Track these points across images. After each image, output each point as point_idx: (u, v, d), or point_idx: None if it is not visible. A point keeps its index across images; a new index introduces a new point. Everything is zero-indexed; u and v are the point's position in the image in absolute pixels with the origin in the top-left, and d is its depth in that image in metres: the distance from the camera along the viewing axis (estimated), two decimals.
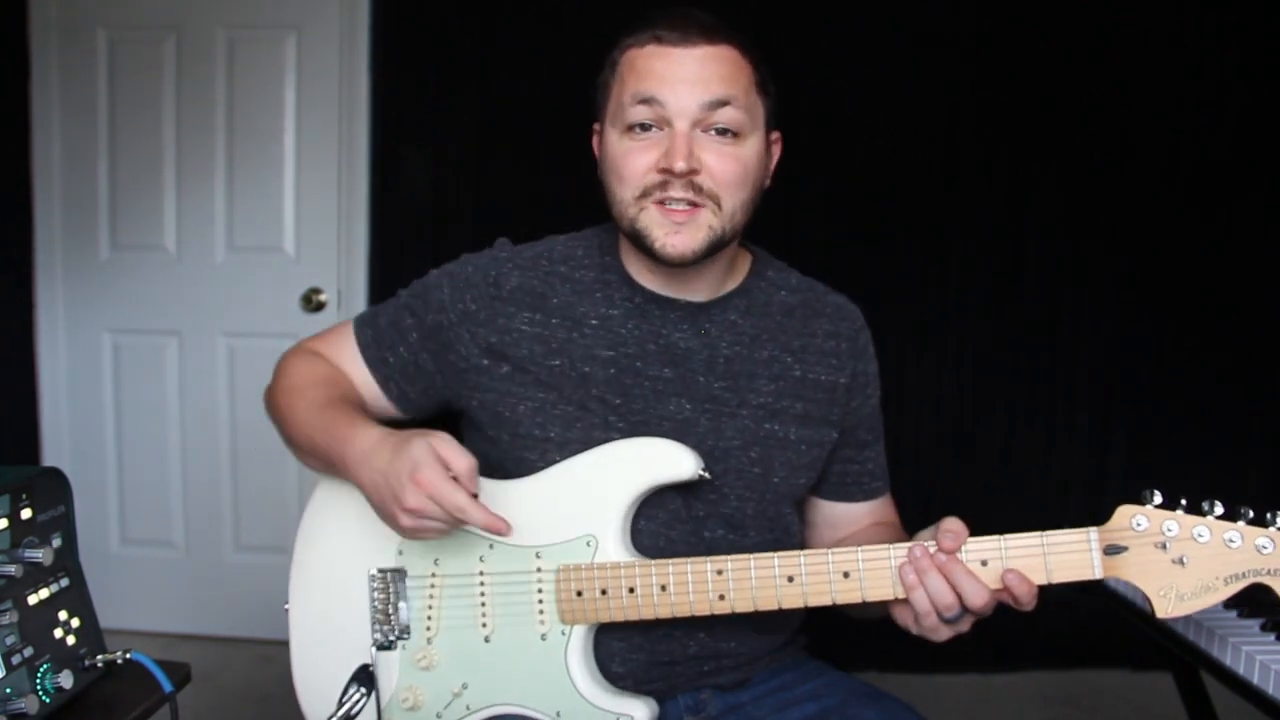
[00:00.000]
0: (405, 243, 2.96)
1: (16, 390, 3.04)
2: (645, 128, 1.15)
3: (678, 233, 1.14)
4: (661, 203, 1.14)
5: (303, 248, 3.00)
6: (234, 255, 3.02)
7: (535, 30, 2.88)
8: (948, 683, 2.82)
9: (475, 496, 1.06)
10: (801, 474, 1.26)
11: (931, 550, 1.04)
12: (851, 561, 1.07)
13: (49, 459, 3.05)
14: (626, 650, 1.19)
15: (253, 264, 3.01)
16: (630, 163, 1.15)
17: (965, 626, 1.06)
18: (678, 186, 1.13)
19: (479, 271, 1.26)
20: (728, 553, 1.21)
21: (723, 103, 1.13)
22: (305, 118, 2.96)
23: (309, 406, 1.23)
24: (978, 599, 1.02)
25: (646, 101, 1.14)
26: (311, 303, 2.98)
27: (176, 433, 3.07)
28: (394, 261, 2.96)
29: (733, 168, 1.15)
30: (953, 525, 1.05)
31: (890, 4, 2.86)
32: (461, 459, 1.05)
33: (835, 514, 1.35)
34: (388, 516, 1.10)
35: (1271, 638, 1.23)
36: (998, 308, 2.93)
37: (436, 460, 1.04)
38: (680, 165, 1.11)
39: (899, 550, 1.06)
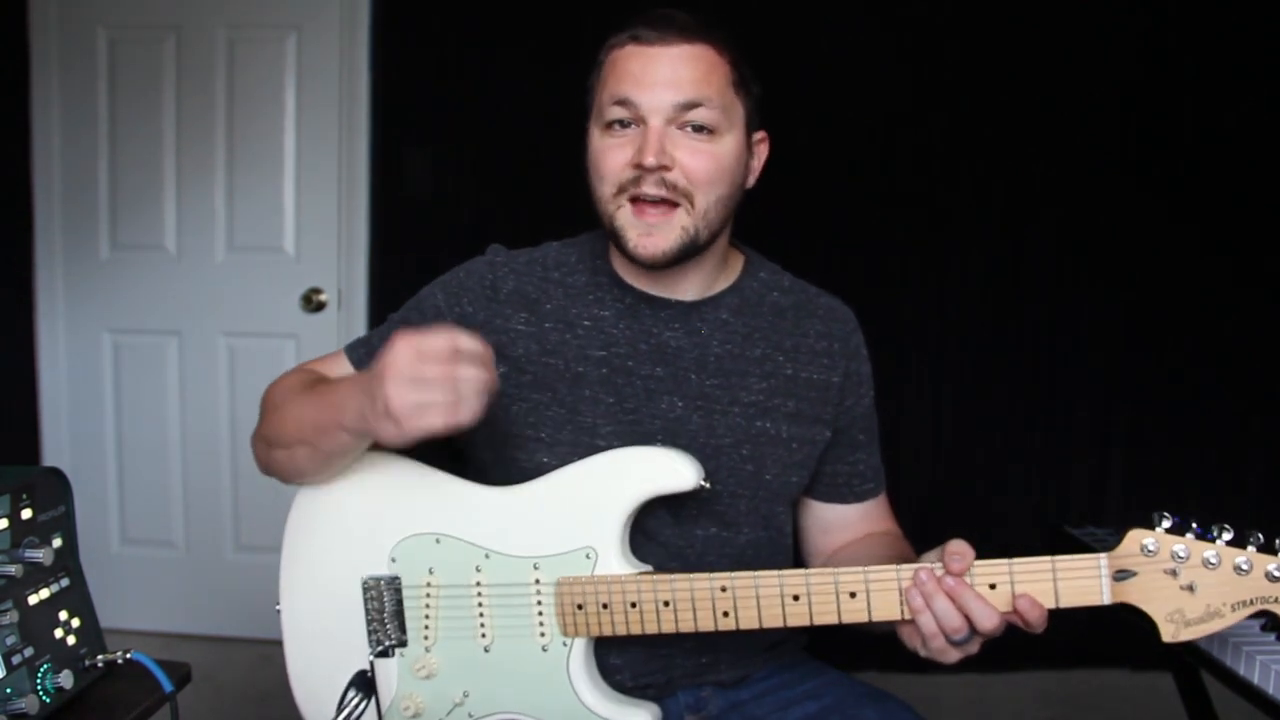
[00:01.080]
0: (405, 243, 2.96)
1: (16, 390, 3.04)
2: (623, 125, 1.16)
3: (650, 234, 1.15)
4: (635, 200, 1.15)
5: (303, 248, 3.00)
6: (234, 255, 3.01)
7: (535, 30, 2.88)
8: (948, 683, 2.82)
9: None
10: (794, 472, 1.26)
11: (938, 573, 1.03)
12: (858, 582, 1.05)
13: (49, 459, 3.05)
14: (624, 644, 1.19)
15: (253, 264, 3.01)
16: (607, 159, 1.17)
17: (975, 648, 1.04)
18: (650, 182, 1.14)
19: (473, 276, 1.27)
20: (719, 550, 1.21)
21: (695, 104, 1.14)
22: (305, 118, 2.96)
23: (294, 398, 1.20)
24: (988, 622, 1.01)
25: (622, 102, 1.15)
26: (311, 303, 2.98)
27: (176, 433, 3.07)
28: (394, 261, 2.96)
29: (706, 164, 1.15)
30: (958, 548, 1.03)
31: (890, 4, 2.86)
32: (434, 333, 0.98)
33: (828, 517, 1.34)
34: (379, 415, 0.99)
35: (1271, 638, 1.23)
36: (997, 312, 2.93)
37: (404, 342, 0.98)
38: (650, 160, 1.12)
39: (905, 571, 1.04)
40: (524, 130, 2.87)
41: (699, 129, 1.15)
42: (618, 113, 1.16)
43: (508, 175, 2.91)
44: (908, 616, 1.04)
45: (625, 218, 1.16)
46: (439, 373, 0.97)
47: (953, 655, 1.04)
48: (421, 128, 2.95)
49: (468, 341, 0.99)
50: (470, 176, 2.94)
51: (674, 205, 1.15)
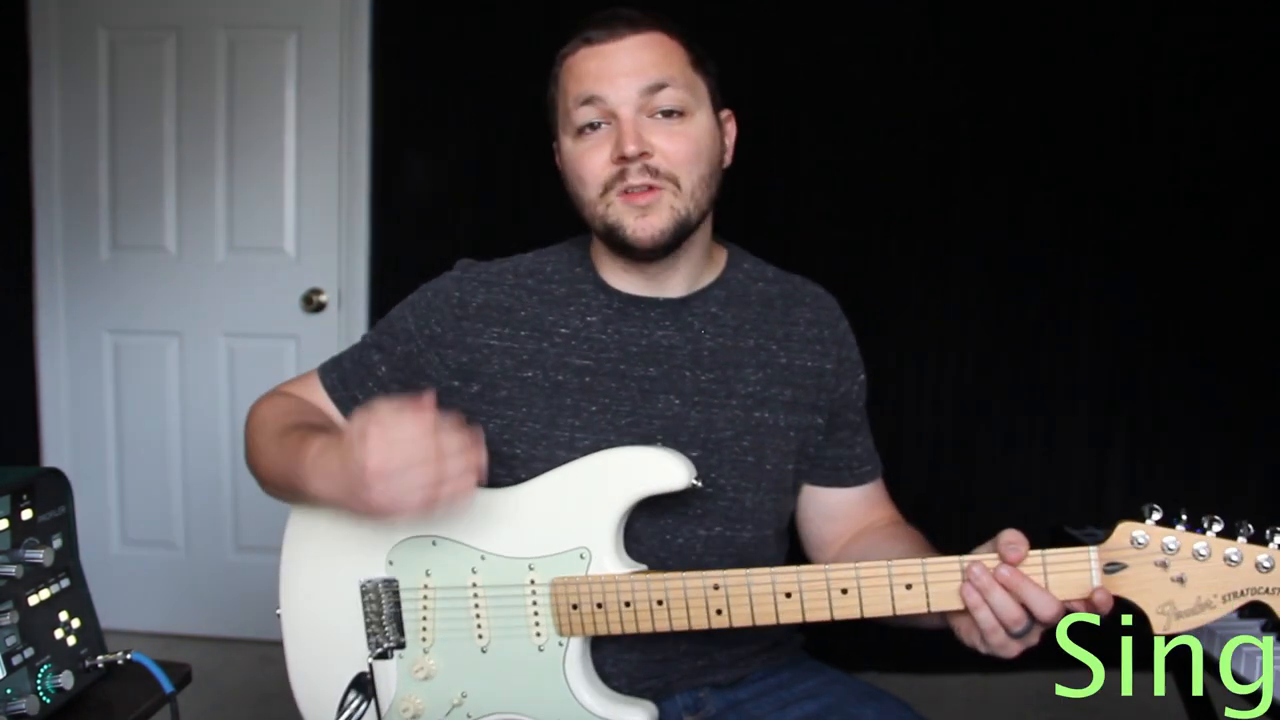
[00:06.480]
0: (405, 243, 2.96)
1: (16, 390, 3.04)
2: (594, 126, 1.17)
3: (645, 215, 1.15)
4: (625, 193, 1.15)
5: (303, 248, 3.00)
6: (234, 255, 3.02)
7: (535, 30, 2.87)
8: (948, 683, 2.82)
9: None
10: (790, 460, 1.27)
11: (992, 566, 1.02)
12: (849, 579, 1.06)
13: (49, 459, 3.06)
14: (618, 650, 1.19)
15: (253, 264, 3.01)
16: (587, 162, 1.17)
17: (1035, 639, 1.04)
18: (634, 173, 1.14)
19: (440, 294, 1.26)
20: (723, 549, 1.21)
21: (660, 85, 1.15)
22: (305, 118, 2.96)
23: (269, 438, 1.20)
24: (1047, 610, 1.00)
25: (589, 101, 1.16)
26: (311, 303, 2.98)
27: (176, 433, 3.07)
28: (394, 262, 2.96)
29: (684, 145, 1.16)
30: (1013, 537, 1.02)
31: (892, 5, 2.86)
32: (407, 405, 0.99)
33: (830, 502, 1.34)
34: (361, 505, 1.01)
35: (1272, 638, 1.23)
36: (997, 310, 2.93)
37: (378, 419, 0.99)
38: (631, 149, 1.13)
39: (898, 567, 1.05)
40: (524, 130, 2.87)
41: (669, 113, 1.15)
42: (587, 114, 1.16)
43: (508, 175, 2.91)
44: (900, 612, 1.04)
45: (617, 211, 1.16)
46: (418, 455, 0.98)
47: (1014, 648, 1.03)
48: (421, 128, 2.94)
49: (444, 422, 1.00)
50: (470, 176, 2.94)
51: (659, 189, 1.15)
